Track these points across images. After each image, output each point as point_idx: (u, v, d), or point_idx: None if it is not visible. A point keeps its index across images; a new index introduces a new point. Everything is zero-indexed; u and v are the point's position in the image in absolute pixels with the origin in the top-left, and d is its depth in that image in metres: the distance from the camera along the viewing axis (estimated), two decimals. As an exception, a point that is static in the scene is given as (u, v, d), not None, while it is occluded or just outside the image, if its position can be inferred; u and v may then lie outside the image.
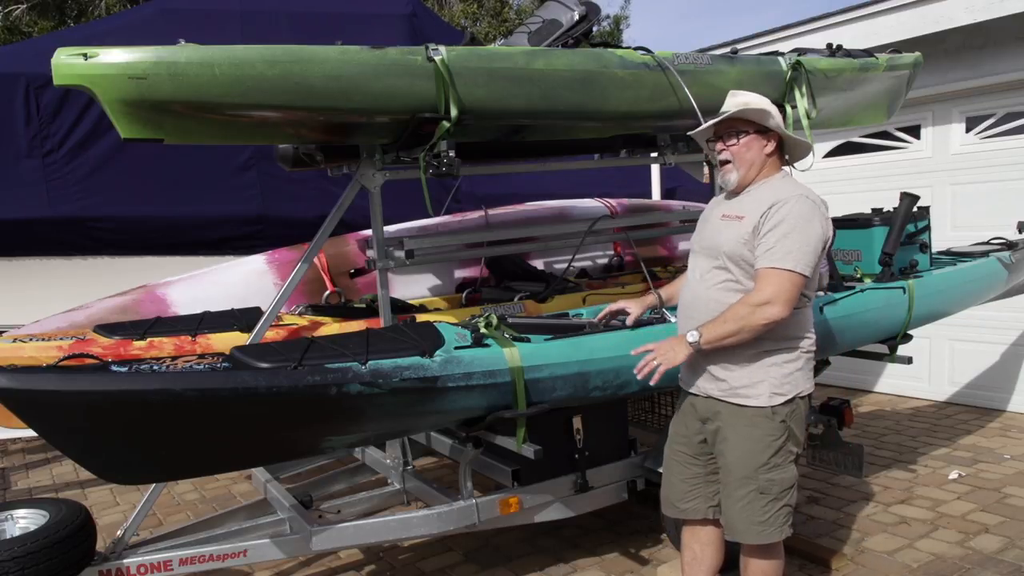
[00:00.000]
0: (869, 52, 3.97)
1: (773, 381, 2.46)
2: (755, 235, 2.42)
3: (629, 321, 2.92)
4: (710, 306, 2.48)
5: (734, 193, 2.58)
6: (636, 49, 3.23)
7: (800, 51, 3.76)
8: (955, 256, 4.36)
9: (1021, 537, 3.60)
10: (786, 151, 2.61)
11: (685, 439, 2.69)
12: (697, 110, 3.17)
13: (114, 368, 2.24)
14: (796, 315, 2.45)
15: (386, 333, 2.73)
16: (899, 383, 6.24)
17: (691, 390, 2.64)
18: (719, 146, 2.55)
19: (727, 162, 2.53)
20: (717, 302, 2.47)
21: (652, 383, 2.45)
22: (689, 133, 2.69)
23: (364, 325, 3.46)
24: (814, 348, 2.57)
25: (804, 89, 3.60)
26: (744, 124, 2.51)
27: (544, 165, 4.63)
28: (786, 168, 2.62)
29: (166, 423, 2.27)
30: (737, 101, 2.53)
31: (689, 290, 2.64)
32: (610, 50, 3.19)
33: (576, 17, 3.37)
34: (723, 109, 2.56)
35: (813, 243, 2.39)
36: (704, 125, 2.58)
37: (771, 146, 2.53)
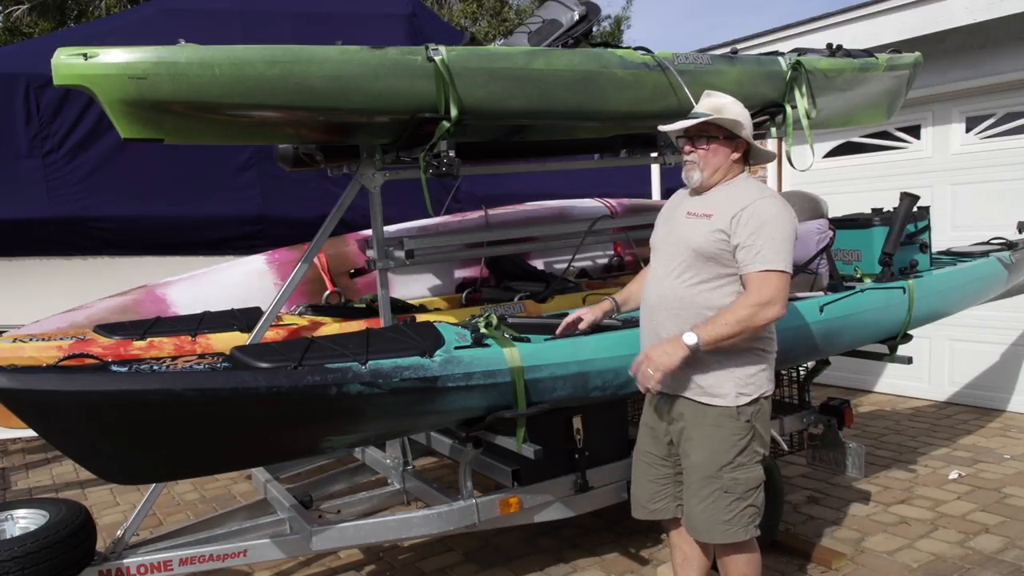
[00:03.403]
0: (869, 52, 3.97)
1: (738, 381, 2.46)
2: (725, 235, 2.41)
3: (583, 326, 2.82)
4: (680, 304, 2.47)
5: (697, 191, 2.57)
6: (636, 49, 3.23)
7: (800, 51, 3.75)
8: (955, 256, 4.35)
9: (1021, 537, 3.61)
10: (750, 155, 2.60)
11: (654, 440, 2.68)
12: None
13: (114, 368, 2.24)
14: None
15: (386, 333, 2.73)
16: (899, 383, 6.24)
17: (662, 389, 2.57)
18: (687, 147, 2.53)
19: (692, 162, 2.52)
20: (686, 300, 2.46)
21: (652, 389, 2.45)
22: (661, 128, 2.63)
23: (364, 325, 3.47)
24: (776, 350, 2.58)
25: (804, 89, 3.60)
26: (716, 129, 2.49)
27: (544, 165, 4.64)
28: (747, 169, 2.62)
29: (166, 423, 2.27)
30: (711, 103, 2.51)
31: (655, 288, 2.56)
32: (610, 50, 3.19)
33: (576, 17, 3.36)
34: (697, 108, 2.54)
35: (791, 242, 2.43)
36: (676, 125, 2.52)
37: (738, 153, 2.53)
